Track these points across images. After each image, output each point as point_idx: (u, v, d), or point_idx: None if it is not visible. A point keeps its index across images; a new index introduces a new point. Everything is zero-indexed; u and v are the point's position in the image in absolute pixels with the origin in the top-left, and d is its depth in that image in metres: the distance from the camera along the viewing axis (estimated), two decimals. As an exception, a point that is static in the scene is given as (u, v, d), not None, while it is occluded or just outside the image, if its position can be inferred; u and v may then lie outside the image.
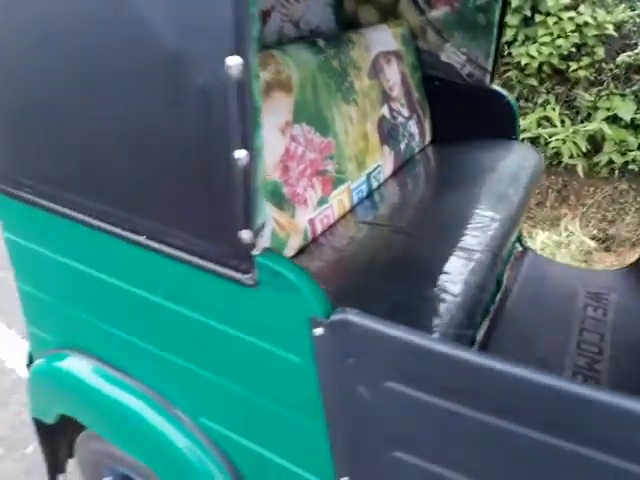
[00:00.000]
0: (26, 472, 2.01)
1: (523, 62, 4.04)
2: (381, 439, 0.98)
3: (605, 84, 3.96)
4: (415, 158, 2.30)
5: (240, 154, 0.84)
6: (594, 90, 3.98)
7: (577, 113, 4.07)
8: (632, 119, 3.80)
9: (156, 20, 0.87)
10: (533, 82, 4.13)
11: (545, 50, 3.95)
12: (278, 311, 0.97)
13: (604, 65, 3.97)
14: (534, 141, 3.98)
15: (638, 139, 3.81)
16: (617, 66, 3.93)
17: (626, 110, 3.80)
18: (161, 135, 0.95)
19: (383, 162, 2.06)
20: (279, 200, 1.54)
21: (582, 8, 3.89)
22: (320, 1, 2.28)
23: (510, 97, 2.37)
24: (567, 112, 4.09)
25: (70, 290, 1.32)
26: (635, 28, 3.92)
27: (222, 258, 0.96)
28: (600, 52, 3.90)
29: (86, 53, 0.99)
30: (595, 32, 3.85)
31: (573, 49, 3.94)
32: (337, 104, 1.84)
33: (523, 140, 2.49)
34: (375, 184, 2.00)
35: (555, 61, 3.98)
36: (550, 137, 3.97)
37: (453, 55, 2.37)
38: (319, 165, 1.70)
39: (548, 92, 4.15)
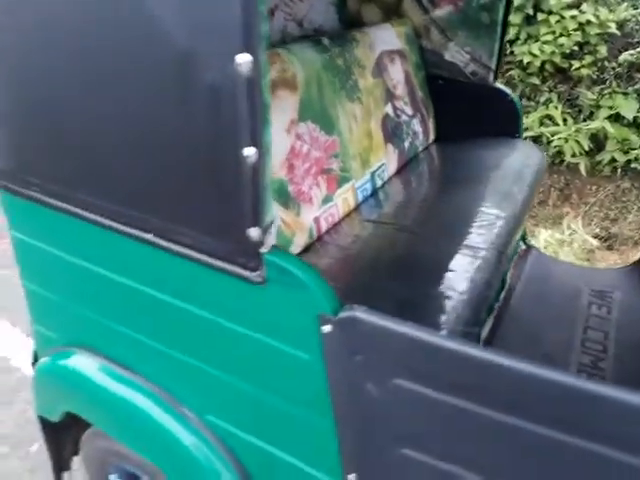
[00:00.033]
0: (31, 470, 2.02)
1: (525, 61, 4.03)
2: (389, 436, 0.98)
3: (607, 83, 3.96)
4: (419, 156, 2.30)
5: (249, 151, 0.85)
6: (596, 89, 3.98)
7: (579, 112, 4.07)
8: (634, 117, 3.80)
9: (166, 19, 0.87)
10: (535, 81, 4.13)
11: (547, 49, 3.94)
12: (286, 308, 0.97)
13: (606, 63, 3.97)
14: (536, 140, 3.98)
15: (641, 137, 3.81)
16: (619, 64, 3.93)
17: (629, 108, 3.79)
18: (170, 133, 0.95)
19: (387, 160, 2.06)
20: (285, 198, 1.54)
21: (584, 6, 3.89)
22: (323, 0, 2.28)
23: (514, 95, 2.37)
24: (569, 111, 4.09)
25: (76, 288, 1.32)
26: (638, 27, 3.92)
27: (230, 256, 0.97)
28: (602, 50, 3.90)
29: (95, 52, 0.99)
30: (597, 30, 3.85)
31: (575, 47, 3.94)
32: (341, 102, 1.84)
33: (525, 139, 2.49)
34: (379, 182, 2.00)
35: (557, 60, 3.97)
36: (552, 136, 3.96)
37: (457, 54, 2.37)
38: (324, 163, 1.71)
39: (550, 91, 4.14)
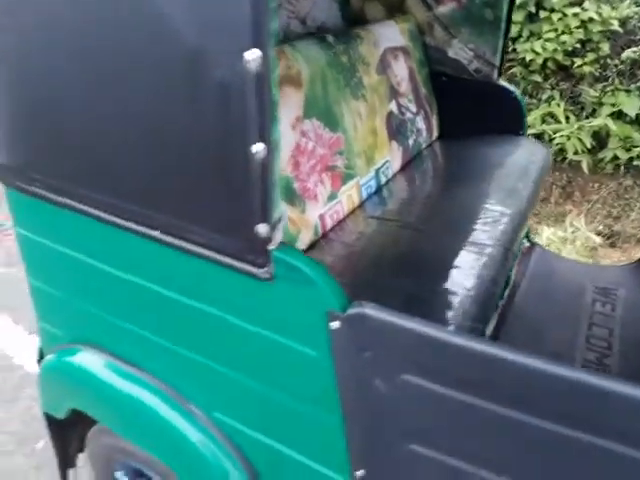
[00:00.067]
0: (36, 467, 2.02)
1: (527, 58, 4.04)
2: (397, 432, 0.98)
3: (610, 80, 3.96)
4: (423, 154, 2.30)
5: (258, 148, 0.85)
6: (599, 86, 3.98)
7: (582, 109, 4.07)
8: (637, 115, 3.80)
9: (175, 16, 0.87)
10: (537, 78, 4.13)
11: (550, 46, 3.94)
12: (294, 305, 0.97)
13: (609, 61, 3.97)
14: (538, 137, 3.98)
15: (643, 135, 3.81)
16: (622, 62, 3.92)
17: (631, 106, 3.79)
18: (178, 130, 0.95)
19: (391, 157, 2.06)
20: (290, 195, 1.54)
21: (587, 4, 3.89)
22: (326, -3, 2.27)
23: (517, 93, 2.37)
24: (572, 108, 4.09)
25: (82, 285, 1.32)
26: (640, 24, 3.92)
27: (238, 252, 0.97)
28: (605, 48, 3.90)
29: (103, 49, 0.99)
30: (600, 28, 3.85)
31: (578, 45, 3.93)
32: (346, 99, 1.84)
33: (528, 136, 2.49)
34: (384, 179, 2.00)
35: (560, 57, 3.97)
36: (554, 133, 3.97)
37: (460, 51, 2.37)
38: (328, 160, 1.70)
39: (553, 88, 4.14)
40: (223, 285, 1.04)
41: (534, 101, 4.17)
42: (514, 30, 4.03)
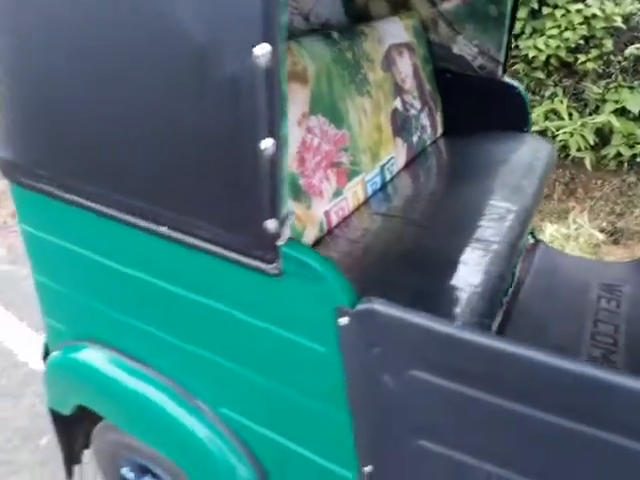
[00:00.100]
0: (41, 463, 2.03)
1: (530, 55, 4.03)
2: (406, 428, 0.98)
3: (613, 76, 3.95)
4: (427, 150, 2.30)
5: (267, 143, 0.85)
6: (602, 83, 3.97)
7: (585, 106, 4.06)
8: (640, 112, 3.79)
9: (183, 12, 0.87)
10: (540, 75, 4.12)
11: (553, 43, 3.93)
12: (303, 301, 0.97)
13: (612, 57, 3.96)
14: (541, 134, 3.97)
15: (646, 132, 3.80)
16: (625, 58, 3.92)
17: (634, 103, 3.79)
18: (187, 126, 0.95)
19: (396, 154, 2.06)
20: (296, 192, 1.54)
21: (590, 0, 3.88)
22: (330, -7, 2.27)
23: (522, 89, 2.36)
24: (575, 105, 4.08)
25: (89, 281, 1.32)
26: (644, 20, 3.91)
27: (246, 248, 0.96)
28: (608, 44, 3.89)
29: (111, 45, 0.98)
30: (603, 24, 3.84)
31: (581, 41, 3.92)
32: (351, 96, 1.83)
33: (532, 133, 2.49)
34: (388, 176, 2.00)
35: (563, 54, 3.96)
36: (557, 130, 3.96)
37: (465, 47, 2.37)
38: (334, 157, 1.70)
39: (556, 85, 4.14)
40: (231, 281, 1.04)
41: (537, 98, 4.16)
42: (517, 27, 4.01)
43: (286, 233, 0.93)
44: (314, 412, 1.06)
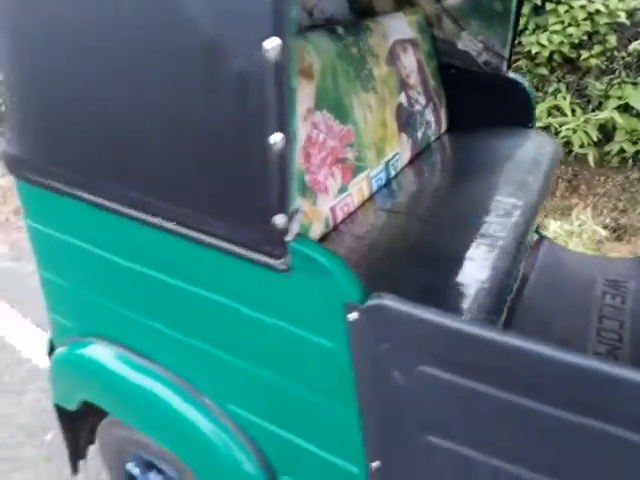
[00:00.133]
0: (46, 458, 2.03)
1: (533, 51, 4.02)
2: (414, 423, 0.98)
3: (617, 72, 3.95)
4: (432, 146, 2.29)
5: (277, 138, 0.84)
6: (605, 79, 3.97)
7: (588, 102, 4.06)
8: (644, 108, 3.78)
9: (192, 5, 0.86)
10: (543, 71, 4.11)
11: (556, 39, 3.92)
12: (311, 296, 0.97)
13: (616, 53, 3.95)
14: (544, 130, 3.95)
15: (650, 128, 3.79)
16: (629, 54, 3.91)
17: (638, 99, 3.78)
18: (195, 121, 0.94)
19: (401, 150, 2.05)
20: (301, 188, 1.54)
21: (594, -4, 3.87)
22: (334, -11, 2.26)
23: (527, 85, 2.35)
24: (578, 101, 4.07)
25: (95, 277, 1.32)
26: (647, 16, 3.90)
27: (255, 244, 0.96)
28: (612, 40, 3.88)
29: (120, 39, 0.98)
30: (607, 20, 3.83)
31: (584, 37, 3.91)
32: (356, 91, 1.83)
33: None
34: (393, 172, 2.00)
35: (566, 50, 3.96)
36: (560, 126, 3.95)
37: (470, 43, 2.36)
38: (339, 153, 1.70)
39: (559, 81, 4.13)
40: (239, 276, 1.03)
41: (540, 94, 4.15)
42: (520, 23, 4.00)
43: (294, 228, 0.93)
44: (322, 408, 1.06)
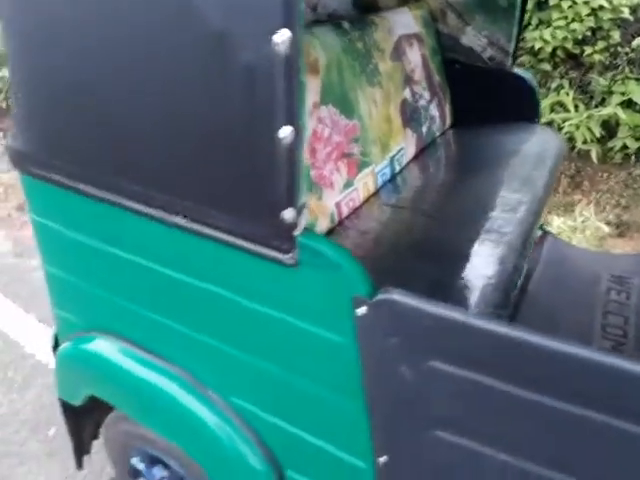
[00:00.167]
0: (49, 454, 2.03)
1: (537, 46, 3.99)
2: (422, 418, 0.98)
3: (620, 68, 3.93)
4: (436, 141, 2.29)
5: (286, 132, 0.84)
6: (609, 74, 3.95)
7: (591, 98, 4.04)
8: (647, 104, 3.77)
9: None
10: (547, 67, 4.10)
11: (559, 34, 3.90)
12: (319, 291, 0.96)
13: (619, 49, 3.93)
14: (547, 126, 3.96)
15: (653, 124, 3.78)
16: (632, 50, 3.89)
17: (641, 95, 3.77)
18: (203, 115, 0.94)
19: (406, 145, 2.05)
20: (307, 183, 1.53)
21: (597, -8, 3.85)
22: (337, -16, 2.25)
23: (532, 80, 2.34)
24: (581, 97, 4.06)
25: (100, 272, 1.31)
26: (651, 12, 3.88)
27: (263, 238, 0.96)
28: (615, 36, 3.86)
29: (127, 32, 0.97)
30: (610, 16, 3.81)
31: (588, 33, 3.89)
32: (362, 86, 1.82)
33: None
34: (398, 167, 1.99)
35: (569, 45, 3.94)
36: (563, 122, 3.94)
37: (474, 38, 2.35)
38: (344, 148, 1.69)
39: (562, 77, 4.11)
40: (246, 271, 1.03)
41: (543, 90, 4.13)
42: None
43: (302, 223, 0.93)
44: (329, 402, 1.06)
